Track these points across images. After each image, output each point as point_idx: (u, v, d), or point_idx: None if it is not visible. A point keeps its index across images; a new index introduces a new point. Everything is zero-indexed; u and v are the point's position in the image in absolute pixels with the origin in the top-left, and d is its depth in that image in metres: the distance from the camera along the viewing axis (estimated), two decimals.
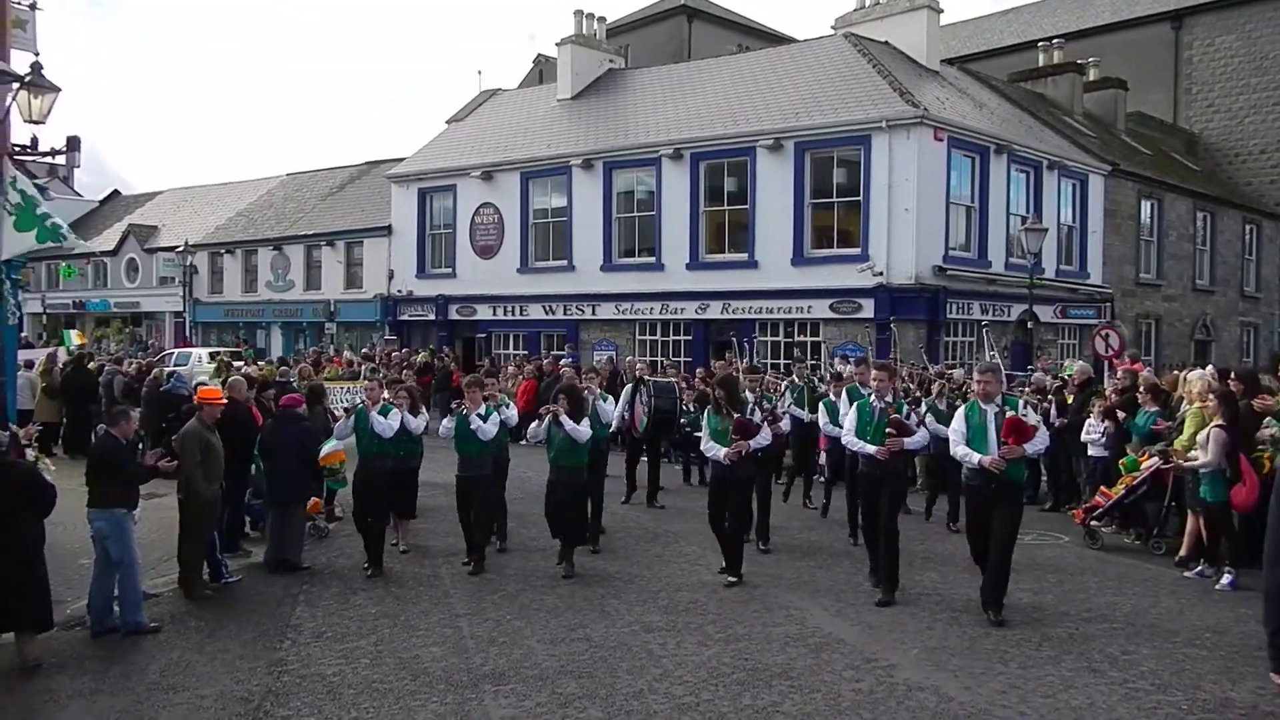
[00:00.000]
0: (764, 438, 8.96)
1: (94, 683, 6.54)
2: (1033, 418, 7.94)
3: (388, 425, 9.55)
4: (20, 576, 6.79)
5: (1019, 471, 7.98)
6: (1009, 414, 7.73)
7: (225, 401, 9.17)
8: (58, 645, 7.27)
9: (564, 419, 9.21)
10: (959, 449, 7.91)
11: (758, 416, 9.11)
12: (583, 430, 9.28)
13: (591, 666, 6.67)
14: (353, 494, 10.21)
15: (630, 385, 13.41)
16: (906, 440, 8.52)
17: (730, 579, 8.83)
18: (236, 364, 18.86)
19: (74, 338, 26.39)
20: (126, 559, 7.52)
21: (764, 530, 10.46)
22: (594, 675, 6.51)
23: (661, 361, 20.89)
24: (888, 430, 8.44)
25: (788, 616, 7.88)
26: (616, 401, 12.42)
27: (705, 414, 9.17)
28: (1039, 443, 7.94)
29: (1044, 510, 12.69)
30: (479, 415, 9.49)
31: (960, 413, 8.12)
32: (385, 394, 9.96)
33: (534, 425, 9.60)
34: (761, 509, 10.39)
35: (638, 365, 14.54)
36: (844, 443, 9.09)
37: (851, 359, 14.86)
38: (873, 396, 8.91)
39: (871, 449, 8.51)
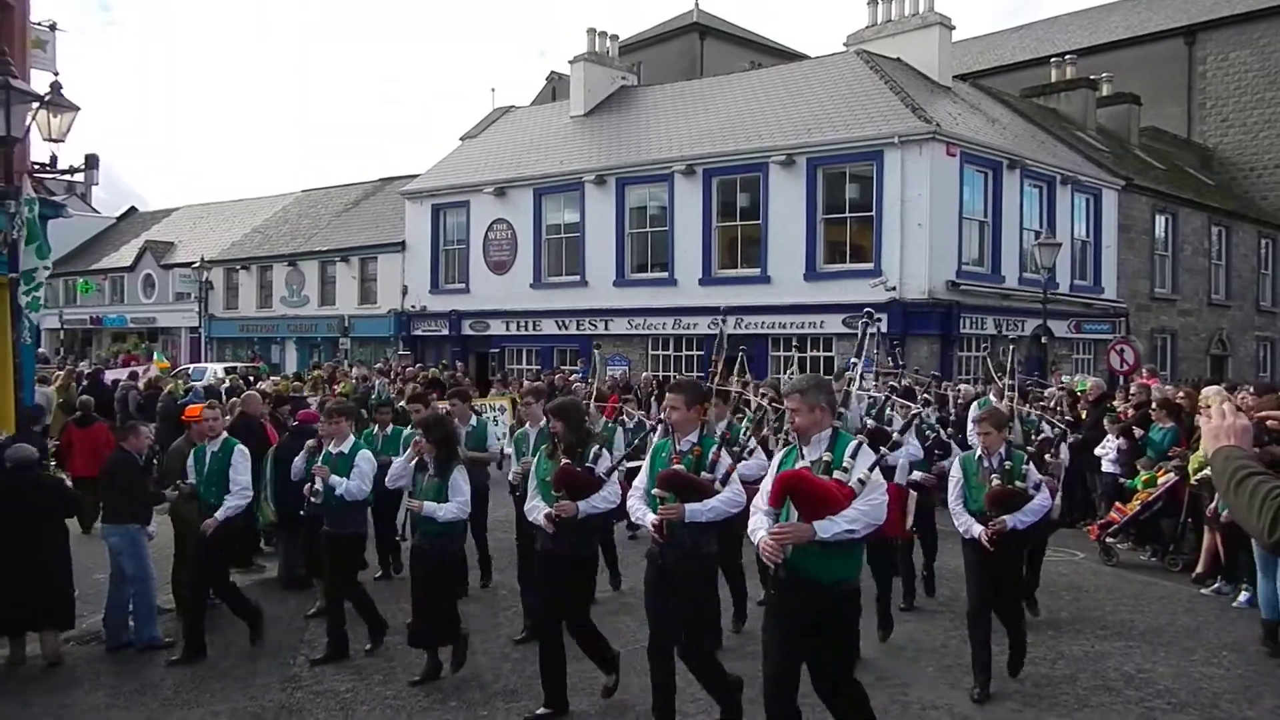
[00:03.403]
0: (605, 498, 5.91)
1: (108, 698, 6.57)
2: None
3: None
4: (53, 580, 7.29)
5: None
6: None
7: (206, 420, 8.55)
8: (73, 660, 7.33)
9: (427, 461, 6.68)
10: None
11: (602, 461, 5.97)
12: (442, 509, 6.48)
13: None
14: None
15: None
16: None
17: None
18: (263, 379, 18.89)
19: (157, 365, 25.40)
20: (140, 574, 7.56)
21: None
22: None
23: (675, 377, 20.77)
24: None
25: None
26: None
27: (537, 459, 6.32)
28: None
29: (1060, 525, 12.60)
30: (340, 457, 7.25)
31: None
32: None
33: (398, 462, 6.98)
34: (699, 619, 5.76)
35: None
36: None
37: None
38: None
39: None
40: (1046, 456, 7.85)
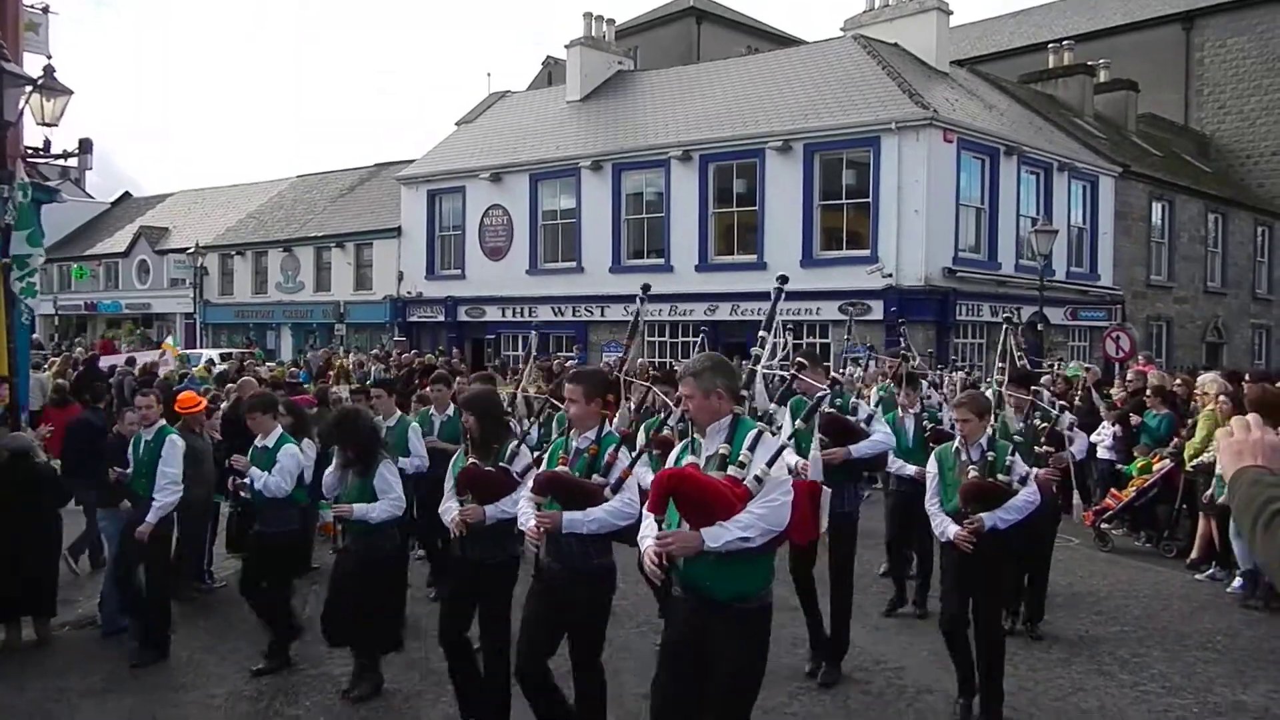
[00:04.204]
0: (513, 505, 5.08)
1: (105, 682, 6.56)
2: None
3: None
4: (47, 566, 7.36)
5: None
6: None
7: (200, 409, 8.65)
8: (69, 644, 7.33)
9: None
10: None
11: (519, 460, 5.34)
12: (378, 507, 5.94)
13: None
14: None
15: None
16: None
17: None
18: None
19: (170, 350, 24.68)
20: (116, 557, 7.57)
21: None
22: None
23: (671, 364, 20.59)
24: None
25: (793, 618, 7.85)
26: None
27: (455, 457, 5.58)
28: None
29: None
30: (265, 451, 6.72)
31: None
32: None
33: (330, 470, 6.23)
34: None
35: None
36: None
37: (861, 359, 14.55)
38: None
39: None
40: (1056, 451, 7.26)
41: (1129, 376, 13.36)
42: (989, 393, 6.72)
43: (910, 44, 23.34)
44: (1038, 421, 7.32)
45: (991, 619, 5.69)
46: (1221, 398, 9.37)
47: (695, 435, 4.13)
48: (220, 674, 6.67)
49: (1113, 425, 11.77)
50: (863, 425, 6.61)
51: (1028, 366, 8.77)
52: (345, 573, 6.14)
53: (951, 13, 23.88)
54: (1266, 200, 31.71)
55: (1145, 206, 25.87)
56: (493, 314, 26.24)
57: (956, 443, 5.90)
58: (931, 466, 5.96)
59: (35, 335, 23.07)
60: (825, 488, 4.73)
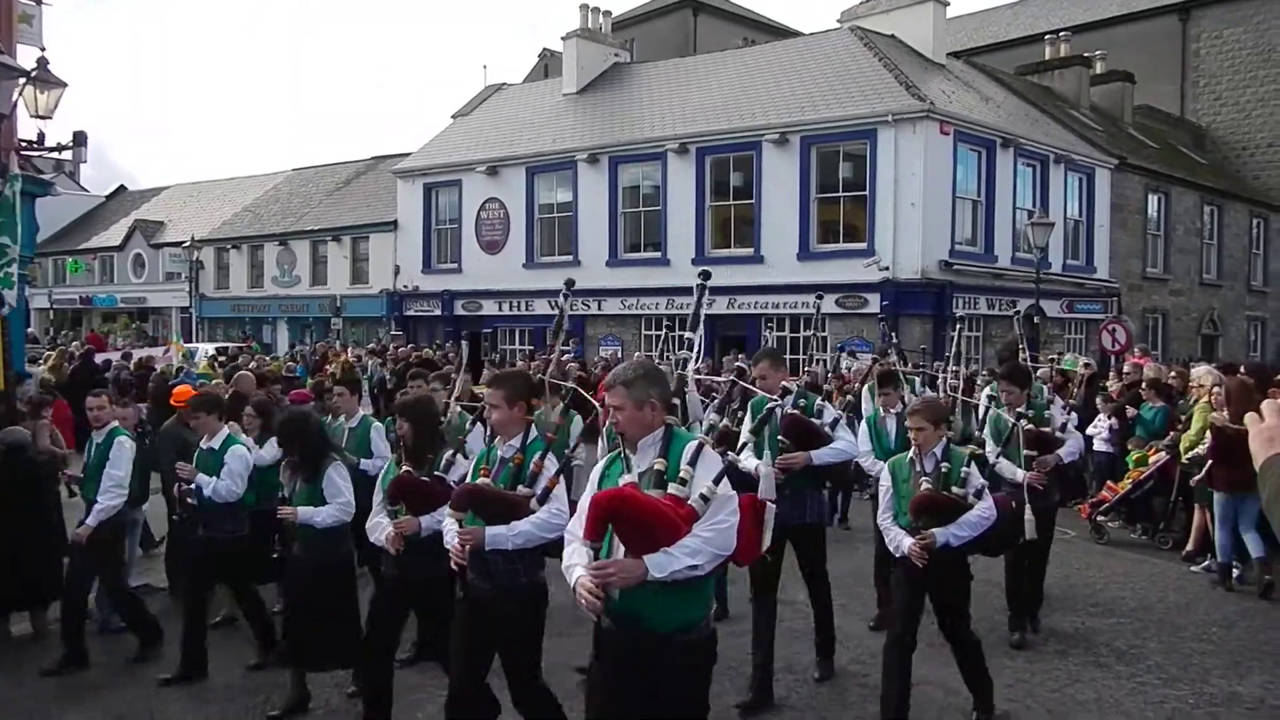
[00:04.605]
0: (436, 522, 4.82)
1: (102, 676, 6.56)
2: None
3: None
4: (51, 557, 7.30)
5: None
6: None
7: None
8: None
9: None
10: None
11: (455, 469, 5.09)
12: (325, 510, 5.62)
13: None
14: None
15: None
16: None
17: None
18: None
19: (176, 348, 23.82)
20: (130, 555, 7.56)
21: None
22: None
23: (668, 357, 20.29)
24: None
25: (794, 611, 7.86)
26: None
27: (386, 466, 5.57)
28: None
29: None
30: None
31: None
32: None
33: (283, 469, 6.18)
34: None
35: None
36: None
37: (858, 354, 14.48)
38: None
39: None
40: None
41: (1125, 369, 13.38)
42: (987, 391, 6.64)
43: (907, 35, 23.30)
44: (1025, 422, 6.84)
45: (959, 631, 5.60)
46: (1215, 389, 9.40)
47: (626, 451, 3.70)
48: (217, 668, 6.65)
49: (1109, 418, 11.80)
50: (827, 429, 6.11)
51: (1029, 359, 8.70)
52: (298, 581, 5.83)
53: (948, 4, 23.83)
54: (1262, 192, 31.74)
55: (1141, 199, 25.88)
56: (489, 308, 26.21)
57: (911, 452, 5.53)
58: (885, 478, 5.62)
59: (30, 330, 23.05)
60: (770, 503, 4.35)
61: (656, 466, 3.58)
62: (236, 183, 40.79)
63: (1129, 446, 11.15)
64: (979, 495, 5.35)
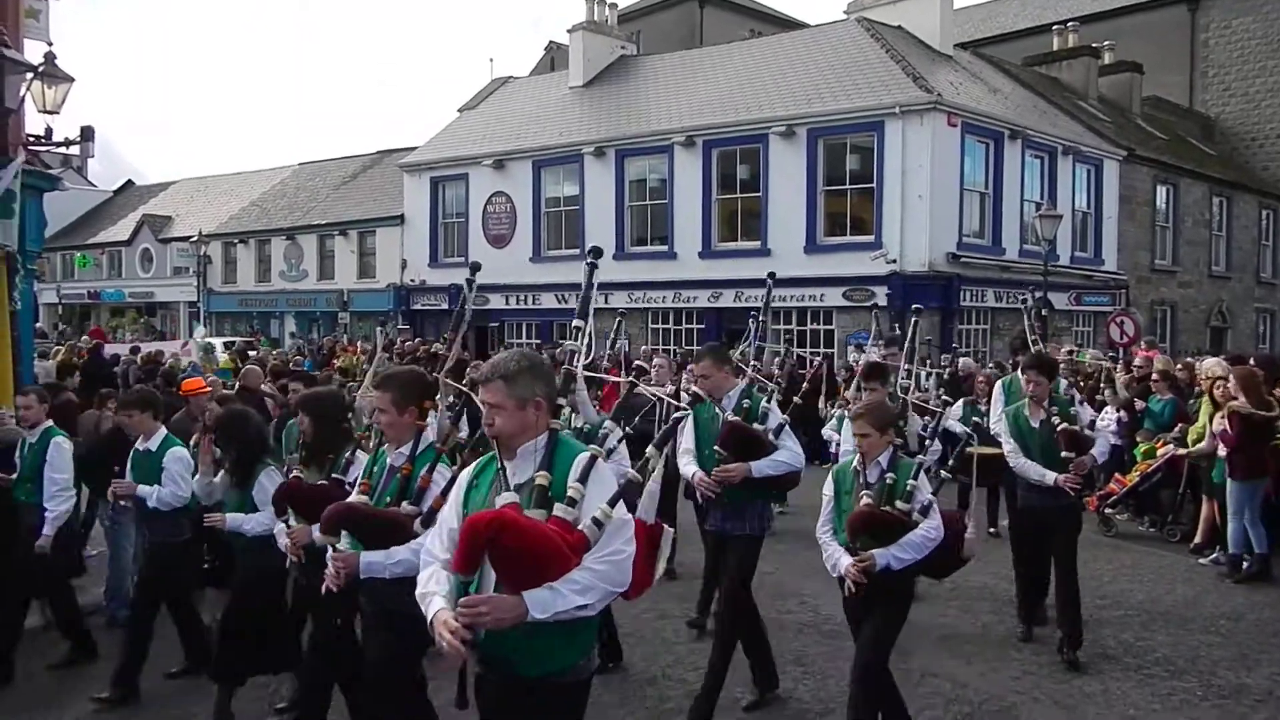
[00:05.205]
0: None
1: (111, 670, 6.58)
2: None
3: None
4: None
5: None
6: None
7: (205, 392, 8.49)
8: None
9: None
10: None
11: (354, 470, 4.64)
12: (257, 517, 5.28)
13: (605, 653, 6.65)
14: None
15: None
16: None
17: None
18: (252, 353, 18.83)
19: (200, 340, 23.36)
20: (113, 551, 7.57)
21: None
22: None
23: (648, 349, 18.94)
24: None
25: (801, 604, 7.88)
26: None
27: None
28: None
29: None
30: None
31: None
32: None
33: (199, 475, 5.69)
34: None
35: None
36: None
37: (865, 347, 14.38)
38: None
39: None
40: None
41: (1135, 362, 13.31)
42: (1002, 381, 6.41)
43: (914, 26, 23.21)
44: (1055, 419, 6.45)
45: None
46: (1220, 380, 9.38)
47: (501, 459, 3.12)
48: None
49: (1117, 411, 11.75)
50: (770, 437, 5.53)
51: (1042, 351, 8.50)
52: (234, 591, 5.55)
53: None
54: (1271, 183, 31.57)
55: (1150, 190, 25.76)
56: (496, 302, 26.20)
57: (855, 460, 4.96)
58: (827, 488, 5.05)
59: (39, 324, 23.10)
60: (667, 528, 3.92)
61: (539, 481, 3.00)
62: (243, 177, 40.87)
63: (1137, 439, 11.11)
64: (925, 512, 4.74)
